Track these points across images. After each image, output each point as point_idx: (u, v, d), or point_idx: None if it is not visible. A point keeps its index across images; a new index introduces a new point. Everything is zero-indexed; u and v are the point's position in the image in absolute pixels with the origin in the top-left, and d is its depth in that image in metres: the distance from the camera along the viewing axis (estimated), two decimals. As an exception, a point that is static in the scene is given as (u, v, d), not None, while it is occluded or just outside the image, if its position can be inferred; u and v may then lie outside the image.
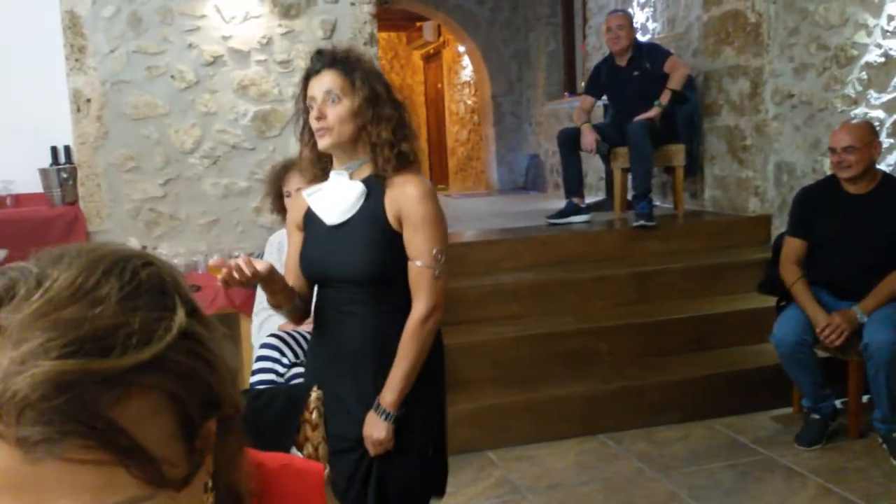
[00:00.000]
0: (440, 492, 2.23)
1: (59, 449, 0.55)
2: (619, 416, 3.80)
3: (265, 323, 3.30)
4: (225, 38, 4.29)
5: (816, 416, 3.54)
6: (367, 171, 2.03)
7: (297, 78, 4.36)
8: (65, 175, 4.06)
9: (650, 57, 5.35)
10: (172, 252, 4.20)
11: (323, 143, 1.99)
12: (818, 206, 3.64)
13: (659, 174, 5.99)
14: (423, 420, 2.09)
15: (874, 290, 3.44)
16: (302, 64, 4.38)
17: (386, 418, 2.00)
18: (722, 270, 4.70)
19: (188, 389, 0.62)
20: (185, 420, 0.62)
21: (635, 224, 4.99)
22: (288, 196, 3.34)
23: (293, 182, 3.33)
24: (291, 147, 4.37)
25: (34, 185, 4.09)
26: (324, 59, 2.00)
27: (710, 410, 3.88)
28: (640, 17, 6.71)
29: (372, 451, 2.03)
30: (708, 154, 5.63)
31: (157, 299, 0.63)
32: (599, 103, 5.85)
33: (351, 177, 2.03)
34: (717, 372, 3.98)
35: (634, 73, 5.36)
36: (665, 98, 5.20)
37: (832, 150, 3.57)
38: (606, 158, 5.64)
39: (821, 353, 3.54)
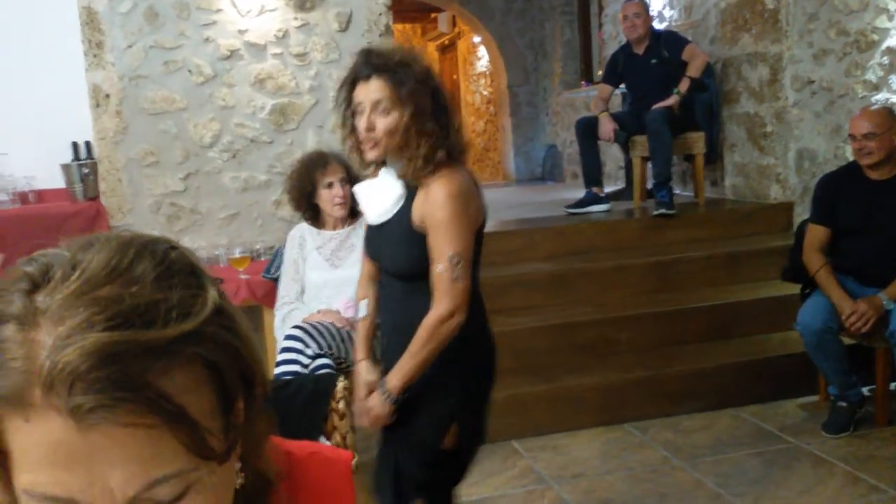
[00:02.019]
0: (454, 482, 2.27)
1: (111, 415, 0.56)
2: (643, 406, 3.79)
3: (288, 316, 3.30)
4: (241, 32, 4.28)
5: (843, 404, 3.51)
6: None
7: (314, 71, 4.40)
8: (86, 170, 4.08)
9: (668, 45, 5.31)
10: (194, 246, 4.20)
11: (370, 155, 2.04)
12: (840, 192, 3.60)
13: (678, 162, 5.96)
14: (433, 414, 2.11)
15: (900, 275, 3.40)
16: (318, 56, 4.39)
17: (386, 398, 2.05)
18: (744, 258, 4.67)
19: (227, 361, 0.64)
20: (224, 393, 0.64)
21: (655, 212, 4.97)
22: (329, 187, 3.30)
23: (334, 172, 3.30)
24: (309, 140, 4.38)
25: (56, 181, 4.12)
26: (373, 65, 1.99)
27: (735, 399, 3.86)
28: (656, 4, 6.66)
29: (365, 422, 2.11)
30: (728, 142, 5.59)
31: (188, 278, 0.65)
32: (617, 92, 5.82)
33: (397, 174, 2.07)
34: (741, 360, 3.95)
35: (652, 62, 5.33)
36: (684, 86, 5.16)
37: (852, 136, 3.53)
38: (625, 147, 5.61)
39: (847, 341, 3.51)
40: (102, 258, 0.62)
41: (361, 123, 2.00)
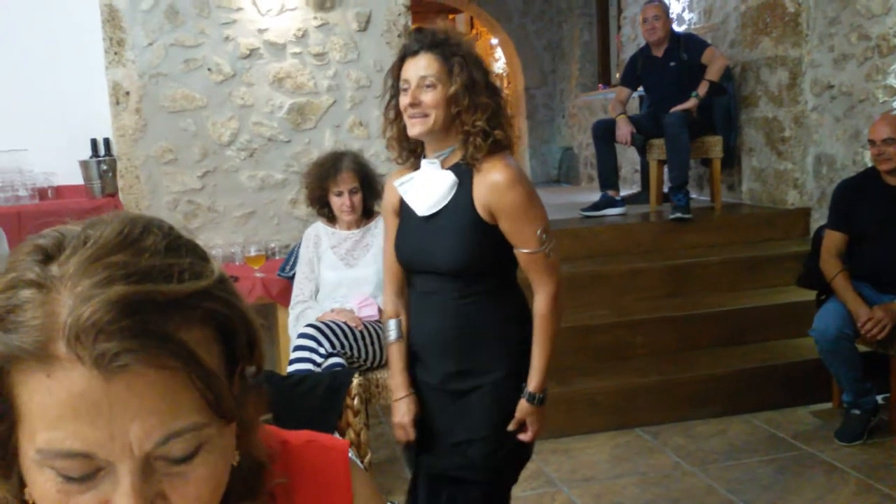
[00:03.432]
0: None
1: (135, 359, 0.58)
2: (656, 410, 3.78)
3: (302, 315, 3.31)
4: (261, 31, 4.31)
5: (857, 412, 3.48)
6: (456, 156, 2.00)
7: (333, 70, 4.42)
8: (104, 167, 4.11)
9: (687, 48, 5.29)
10: (210, 244, 4.23)
11: (414, 130, 1.96)
12: (858, 198, 3.58)
13: (695, 166, 5.93)
14: (500, 397, 2.05)
15: (917, 283, 3.38)
16: (337, 56, 4.40)
17: (538, 403, 2.01)
18: (760, 264, 4.64)
19: (236, 323, 0.67)
20: (231, 357, 0.67)
21: (671, 216, 4.95)
22: (339, 195, 3.33)
23: (345, 182, 3.32)
24: (327, 140, 4.39)
25: (74, 177, 4.14)
26: (422, 41, 1.95)
27: (749, 405, 3.84)
28: (675, 7, 6.64)
29: (531, 439, 2.04)
30: (746, 146, 5.56)
31: (193, 251, 0.68)
32: (635, 95, 5.80)
33: (442, 164, 2.00)
34: (755, 366, 3.94)
35: (671, 64, 5.31)
36: (703, 89, 5.14)
37: (872, 142, 3.51)
38: (642, 150, 5.59)
39: (862, 348, 3.49)
40: (114, 229, 0.64)
41: (406, 100, 1.94)
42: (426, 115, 1.93)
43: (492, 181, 1.92)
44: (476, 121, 1.91)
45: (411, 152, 2.07)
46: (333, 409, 1.79)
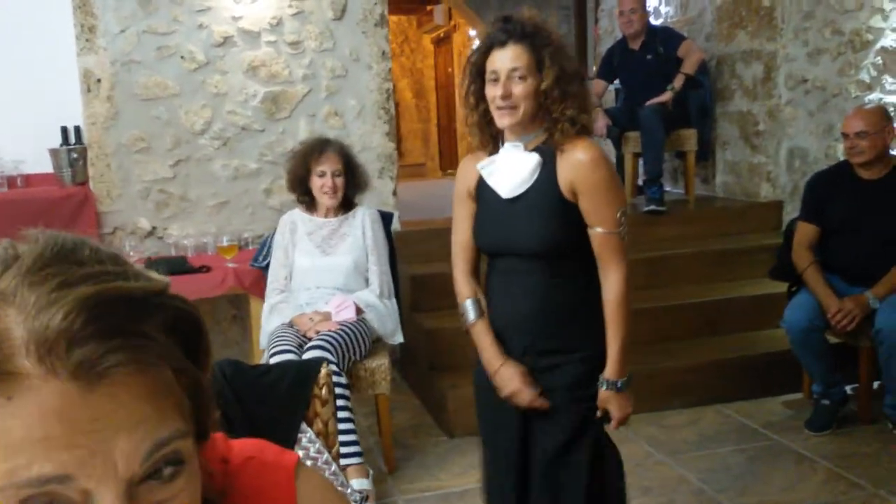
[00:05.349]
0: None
1: (120, 360, 0.53)
2: (629, 400, 3.79)
3: (276, 308, 3.29)
4: (235, 19, 4.26)
5: (826, 402, 3.52)
6: (539, 140, 2.02)
7: (308, 59, 4.39)
8: (75, 155, 4.06)
9: (663, 41, 5.30)
10: (182, 233, 4.20)
11: (503, 122, 1.98)
12: (831, 191, 3.61)
13: (670, 159, 5.96)
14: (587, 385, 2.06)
15: (886, 275, 3.41)
16: (312, 45, 4.37)
17: (617, 389, 2.01)
18: (733, 256, 4.68)
19: (200, 326, 0.63)
20: (193, 363, 0.63)
21: (646, 209, 4.97)
22: (321, 176, 3.32)
23: (329, 162, 3.31)
24: (301, 129, 4.36)
25: (44, 166, 4.10)
26: (511, 31, 1.96)
27: (720, 395, 3.87)
28: (652, 0, 6.66)
29: (617, 426, 2.07)
30: (720, 139, 5.60)
31: (131, 262, 0.64)
32: (612, 88, 5.81)
33: (525, 148, 2.02)
34: (727, 357, 3.96)
35: (647, 57, 5.32)
36: (678, 82, 5.15)
37: (845, 135, 3.54)
38: (617, 143, 5.60)
39: (832, 339, 3.52)
40: (45, 243, 0.58)
41: (496, 91, 1.95)
42: (515, 107, 1.95)
43: (576, 160, 1.95)
44: (566, 109, 1.94)
45: (492, 137, 2.09)
46: (301, 398, 1.77)
